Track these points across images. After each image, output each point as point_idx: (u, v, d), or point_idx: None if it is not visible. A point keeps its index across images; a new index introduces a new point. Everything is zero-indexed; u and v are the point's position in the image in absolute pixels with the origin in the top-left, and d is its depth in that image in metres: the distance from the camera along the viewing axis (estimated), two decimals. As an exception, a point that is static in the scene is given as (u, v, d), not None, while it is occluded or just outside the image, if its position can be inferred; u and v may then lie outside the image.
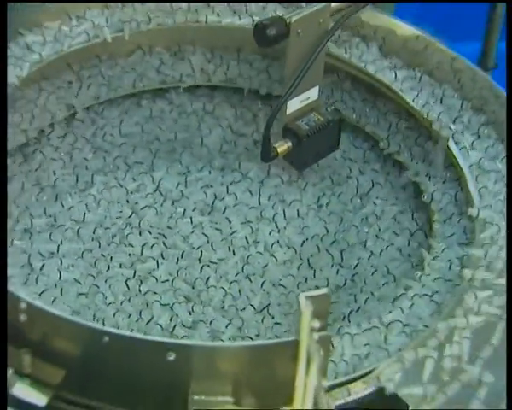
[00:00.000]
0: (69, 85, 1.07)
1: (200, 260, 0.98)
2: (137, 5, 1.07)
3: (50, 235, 0.99)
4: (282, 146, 0.99)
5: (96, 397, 0.76)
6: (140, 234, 1.00)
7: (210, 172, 1.07)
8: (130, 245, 0.99)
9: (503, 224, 0.88)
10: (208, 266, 0.97)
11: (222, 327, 0.91)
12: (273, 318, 0.92)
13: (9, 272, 0.84)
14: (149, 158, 1.09)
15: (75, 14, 1.08)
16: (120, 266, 0.97)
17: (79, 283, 0.94)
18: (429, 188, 0.97)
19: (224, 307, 0.93)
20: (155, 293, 0.94)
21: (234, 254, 0.99)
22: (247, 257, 0.98)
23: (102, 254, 0.98)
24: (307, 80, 0.97)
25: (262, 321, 0.92)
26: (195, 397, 0.74)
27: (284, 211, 1.03)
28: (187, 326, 0.91)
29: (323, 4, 0.95)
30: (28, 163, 1.04)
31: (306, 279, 0.96)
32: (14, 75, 0.99)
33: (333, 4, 0.96)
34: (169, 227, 1.01)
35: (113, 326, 0.88)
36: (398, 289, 0.90)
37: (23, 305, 0.76)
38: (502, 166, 0.95)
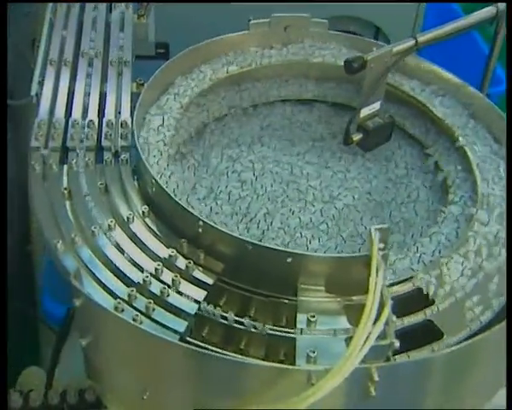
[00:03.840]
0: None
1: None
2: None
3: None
4: (356, 136, 0.94)
5: (241, 281, 0.74)
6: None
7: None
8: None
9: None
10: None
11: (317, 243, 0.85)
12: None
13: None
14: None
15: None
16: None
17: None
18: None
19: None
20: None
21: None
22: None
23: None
24: (374, 97, 0.92)
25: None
26: (302, 286, 0.72)
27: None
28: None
29: (389, 49, 0.90)
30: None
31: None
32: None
33: (394, 49, 0.91)
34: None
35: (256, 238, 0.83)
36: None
37: (200, 222, 0.74)
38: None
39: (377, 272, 0.66)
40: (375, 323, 0.62)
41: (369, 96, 0.92)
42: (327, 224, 0.87)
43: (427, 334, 0.70)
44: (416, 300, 0.72)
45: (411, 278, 0.73)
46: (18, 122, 1.68)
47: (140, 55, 1.07)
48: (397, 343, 0.62)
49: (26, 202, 1.61)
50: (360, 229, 0.86)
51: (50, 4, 1.11)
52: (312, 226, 0.87)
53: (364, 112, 0.94)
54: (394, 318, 0.65)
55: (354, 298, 0.71)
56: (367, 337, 0.60)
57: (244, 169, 0.95)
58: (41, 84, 0.95)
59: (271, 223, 0.86)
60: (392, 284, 0.72)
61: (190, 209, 0.76)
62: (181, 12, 1.47)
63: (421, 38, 0.94)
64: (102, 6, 1.10)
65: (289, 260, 0.70)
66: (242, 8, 1.50)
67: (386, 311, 0.63)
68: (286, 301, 0.72)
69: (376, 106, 0.95)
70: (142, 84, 0.96)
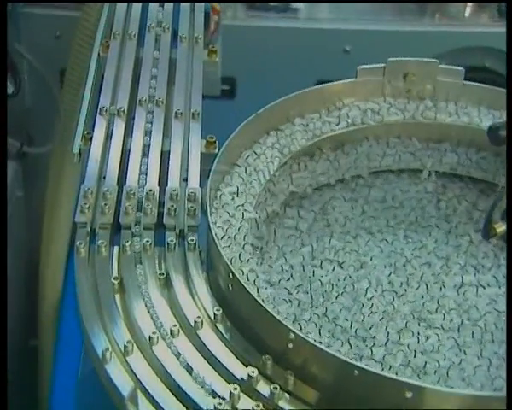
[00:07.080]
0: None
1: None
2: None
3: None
4: (501, 227, 0.98)
5: (342, 419, 0.78)
6: None
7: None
8: None
9: None
10: None
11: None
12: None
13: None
14: None
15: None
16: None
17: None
18: None
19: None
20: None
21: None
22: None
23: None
24: (527, 174, 0.96)
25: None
26: (424, 430, 0.75)
27: None
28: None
29: (550, 113, 0.94)
30: None
31: None
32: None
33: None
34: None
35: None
36: None
37: (292, 335, 0.78)
38: None
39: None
40: None
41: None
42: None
43: None
44: None
45: None
46: (34, 174, 1.80)
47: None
48: None
49: (34, 282, 1.69)
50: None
51: (100, 35, 1.22)
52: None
53: (513, 194, 0.98)
54: None
55: (499, 454, 0.73)
56: None
57: (345, 267, 1.00)
58: (86, 139, 1.04)
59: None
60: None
61: (278, 317, 0.81)
62: (250, 39, 1.56)
63: None
64: (166, 40, 1.21)
65: (409, 394, 0.73)
66: (336, 36, 1.58)
67: None
68: (402, 449, 0.75)
69: (530, 186, 0.99)
70: (214, 142, 1.03)
